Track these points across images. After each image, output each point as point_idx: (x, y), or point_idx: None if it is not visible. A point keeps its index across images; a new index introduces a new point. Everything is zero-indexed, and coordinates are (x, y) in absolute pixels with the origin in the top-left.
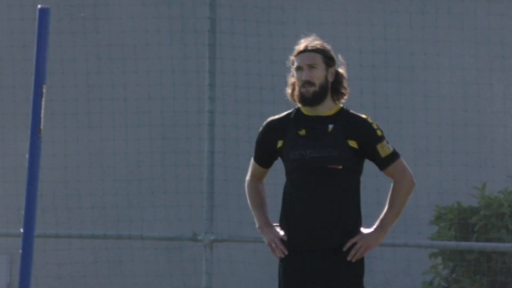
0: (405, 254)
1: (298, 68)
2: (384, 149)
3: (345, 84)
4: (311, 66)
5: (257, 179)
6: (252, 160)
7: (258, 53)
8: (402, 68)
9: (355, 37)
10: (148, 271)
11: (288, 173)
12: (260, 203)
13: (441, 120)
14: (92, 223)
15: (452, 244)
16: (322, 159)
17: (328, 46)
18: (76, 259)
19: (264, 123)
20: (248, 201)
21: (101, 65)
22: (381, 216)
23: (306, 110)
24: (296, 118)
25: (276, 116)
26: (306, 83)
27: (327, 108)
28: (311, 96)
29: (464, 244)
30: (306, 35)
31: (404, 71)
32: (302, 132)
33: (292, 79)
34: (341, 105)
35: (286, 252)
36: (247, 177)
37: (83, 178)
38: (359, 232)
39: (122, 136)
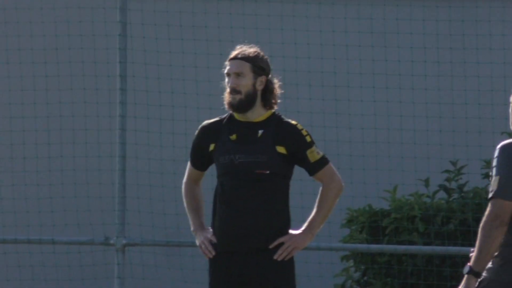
0: (316, 257)
1: (227, 75)
2: (313, 155)
3: (276, 92)
4: (238, 74)
5: (193, 182)
6: (188, 163)
7: (169, 57)
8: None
9: (271, 43)
10: (59, 276)
11: (218, 177)
12: (195, 207)
13: (351, 124)
14: (2, 228)
15: (364, 246)
16: (250, 164)
17: (260, 55)
18: None
19: (199, 126)
20: (184, 204)
21: (10, 69)
22: (309, 218)
23: (238, 116)
24: (228, 123)
25: (211, 120)
26: (233, 91)
27: (258, 114)
28: (237, 104)
29: (375, 247)
30: (223, 40)
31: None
32: (233, 137)
33: (225, 83)
34: (273, 111)
35: (213, 253)
36: (184, 180)
37: None
38: (287, 233)
39: (32, 140)
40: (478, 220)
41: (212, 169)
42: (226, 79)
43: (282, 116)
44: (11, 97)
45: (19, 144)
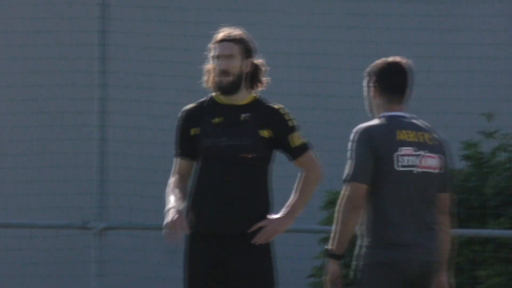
0: (295, 240)
1: (216, 57)
2: (294, 140)
3: (262, 75)
4: (228, 57)
5: (182, 178)
6: (175, 159)
7: (148, 39)
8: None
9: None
10: (37, 259)
11: (199, 160)
12: (180, 197)
13: (329, 106)
14: None
15: None
16: (234, 147)
17: (247, 37)
18: None
19: (180, 112)
20: (167, 195)
21: None
22: (289, 203)
23: (220, 99)
24: (210, 106)
25: (191, 105)
26: (223, 73)
27: (242, 97)
28: (227, 86)
29: None
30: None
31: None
32: (216, 120)
33: (208, 66)
34: (256, 95)
35: (187, 231)
36: (171, 178)
37: None
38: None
39: (8, 123)
40: (455, 202)
41: None
42: (212, 62)
43: (266, 100)
44: None
45: None
